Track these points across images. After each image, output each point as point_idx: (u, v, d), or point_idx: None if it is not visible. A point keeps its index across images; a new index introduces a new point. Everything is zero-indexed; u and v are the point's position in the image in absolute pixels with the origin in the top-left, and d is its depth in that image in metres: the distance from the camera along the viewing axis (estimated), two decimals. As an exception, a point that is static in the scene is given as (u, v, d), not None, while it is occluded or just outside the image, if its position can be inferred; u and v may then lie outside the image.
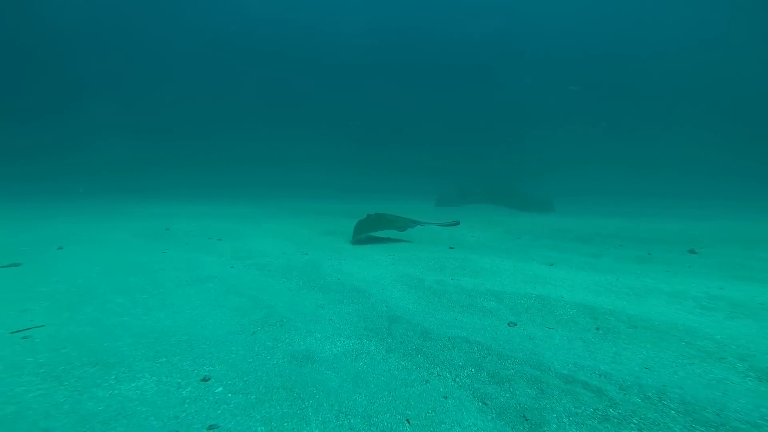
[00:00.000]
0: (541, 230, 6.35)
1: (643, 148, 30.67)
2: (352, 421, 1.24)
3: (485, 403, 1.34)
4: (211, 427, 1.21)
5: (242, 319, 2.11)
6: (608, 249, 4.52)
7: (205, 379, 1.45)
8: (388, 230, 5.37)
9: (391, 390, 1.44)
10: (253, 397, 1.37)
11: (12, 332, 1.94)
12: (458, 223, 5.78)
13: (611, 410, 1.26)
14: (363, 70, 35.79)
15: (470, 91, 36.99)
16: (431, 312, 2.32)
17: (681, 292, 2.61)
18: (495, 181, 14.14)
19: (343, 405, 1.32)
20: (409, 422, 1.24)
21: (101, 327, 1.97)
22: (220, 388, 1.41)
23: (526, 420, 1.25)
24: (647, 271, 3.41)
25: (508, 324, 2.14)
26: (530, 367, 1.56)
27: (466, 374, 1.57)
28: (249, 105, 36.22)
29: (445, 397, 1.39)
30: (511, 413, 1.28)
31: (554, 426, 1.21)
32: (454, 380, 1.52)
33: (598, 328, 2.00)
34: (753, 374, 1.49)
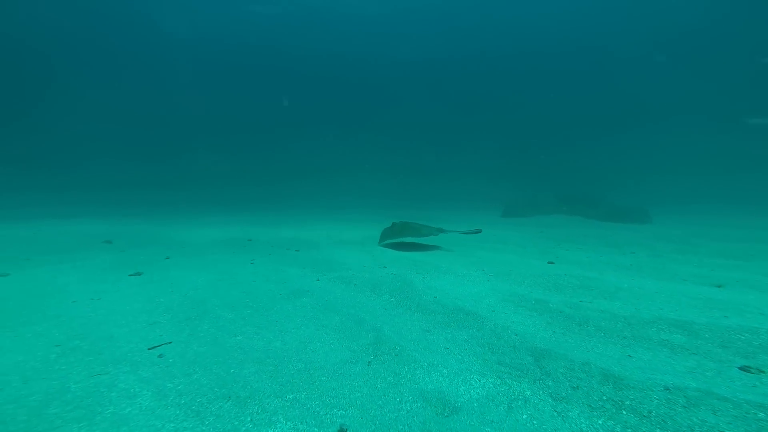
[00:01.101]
0: (655, 243, 5.37)
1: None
2: None
3: None
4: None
5: (351, 343, 1.90)
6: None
7: (343, 430, 1.22)
8: (413, 237, 5.13)
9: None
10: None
11: (149, 348, 2.00)
12: (480, 231, 5.33)
13: None
14: (427, 76, 31.91)
15: (539, 94, 32.13)
16: (585, 345, 1.85)
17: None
18: (570, 189, 12.12)
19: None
20: None
21: (221, 348, 1.87)
22: (367, 449, 1.16)
23: None
24: None
25: (740, 368, 1.54)
26: None
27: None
28: (304, 116, 35.06)
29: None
30: None
31: None
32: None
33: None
34: None
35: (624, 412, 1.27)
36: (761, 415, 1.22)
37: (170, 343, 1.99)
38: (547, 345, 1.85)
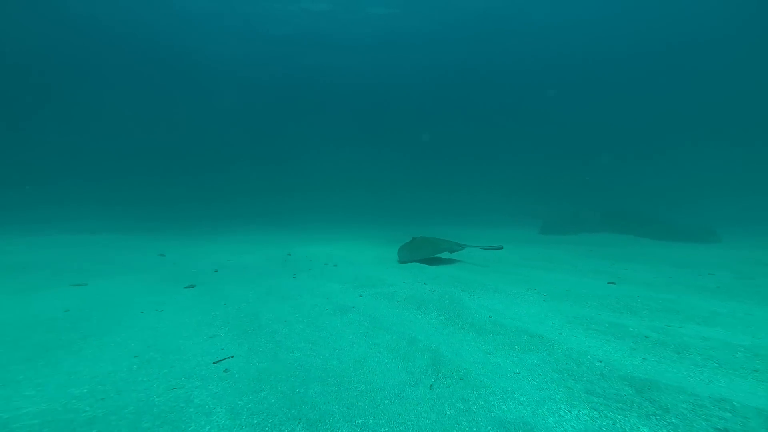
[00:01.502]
0: (739, 264, 4.71)
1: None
2: None
3: None
4: None
5: (407, 364, 1.84)
6: None
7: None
8: (434, 252, 4.95)
9: None
10: None
11: (214, 362, 2.05)
12: (501, 248, 5.07)
13: None
14: (460, 86, 30.50)
15: (582, 107, 30.16)
16: (699, 376, 1.63)
17: None
18: (617, 205, 11.09)
19: None
20: None
21: (281, 365, 1.86)
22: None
23: None
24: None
25: None
26: None
27: None
28: (325, 129, 34.27)
29: None
30: None
31: None
32: None
33: None
34: None
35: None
36: None
37: (232, 357, 2.04)
38: (645, 374, 1.64)
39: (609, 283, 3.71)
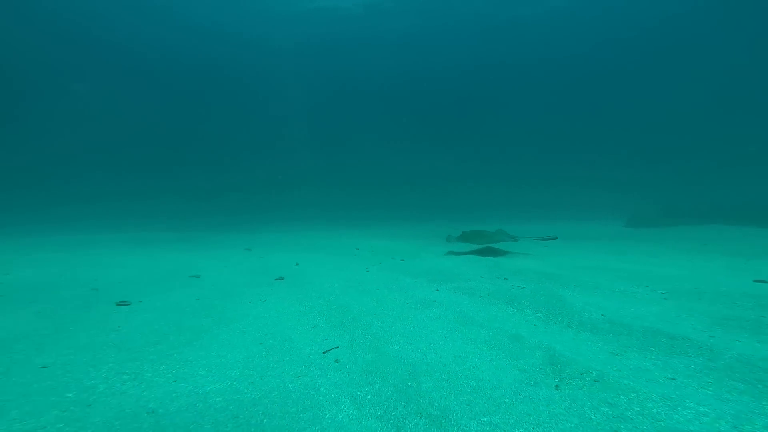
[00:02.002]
0: None
1: None
2: None
3: None
4: None
5: (516, 362, 1.74)
6: None
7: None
8: (486, 244, 4.77)
9: None
10: None
11: (324, 352, 2.16)
12: (556, 238, 4.65)
13: None
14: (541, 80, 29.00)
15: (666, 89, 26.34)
16: None
17: None
18: (725, 196, 9.59)
19: None
20: None
21: (385, 357, 1.88)
22: None
23: None
24: None
25: None
26: None
27: None
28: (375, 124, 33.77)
29: None
30: None
31: None
32: None
33: None
34: None
35: None
36: None
37: (338, 348, 2.17)
38: None
39: (757, 281, 3.14)
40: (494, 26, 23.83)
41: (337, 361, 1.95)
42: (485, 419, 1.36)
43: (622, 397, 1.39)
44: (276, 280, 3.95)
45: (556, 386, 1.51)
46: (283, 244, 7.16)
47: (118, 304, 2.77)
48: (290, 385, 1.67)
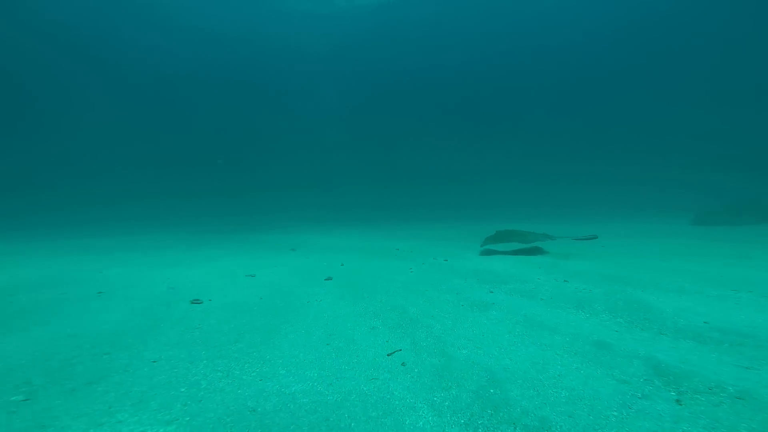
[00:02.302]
0: None
1: None
2: None
3: None
4: None
5: (611, 371, 1.63)
6: None
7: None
8: (520, 243, 4.64)
9: None
10: None
11: (388, 354, 2.24)
12: (596, 237, 4.33)
13: None
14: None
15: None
16: None
17: None
18: None
19: None
20: None
21: (455, 361, 1.86)
22: None
23: None
24: None
25: None
26: None
27: None
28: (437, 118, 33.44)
29: None
30: None
31: None
32: None
33: None
34: None
35: None
36: None
37: (401, 350, 2.20)
38: None
39: None
40: (531, 15, 22.65)
41: (403, 364, 1.97)
42: (591, 435, 1.30)
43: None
44: (325, 280, 4.08)
45: (677, 401, 1.39)
46: (323, 244, 7.38)
47: (192, 302, 3.00)
48: (365, 388, 1.71)
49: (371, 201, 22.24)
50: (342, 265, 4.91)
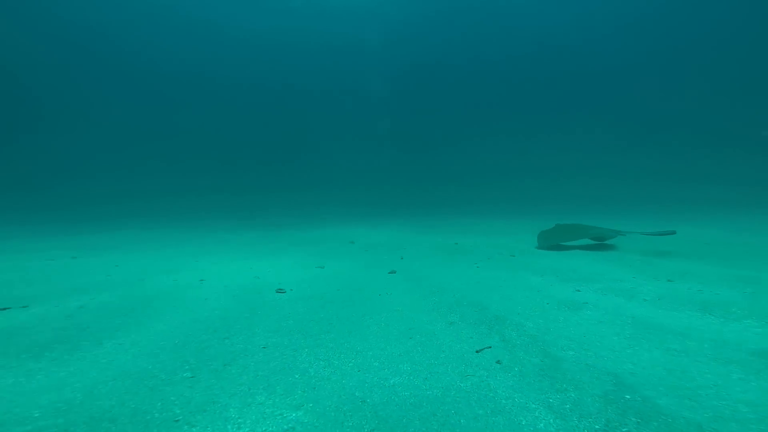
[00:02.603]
0: None
1: None
2: None
3: None
4: None
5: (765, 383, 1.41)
6: None
7: None
8: (582, 239, 4.12)
9: None
10: None
11: (477, 351, 2.02)
12: (674, 233, 3.52)
13: None
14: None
15: None
16: None
17: None
18: None
19: None
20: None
21: (563, 362, 1.72)
22: None
23: None
24: None
25: None
26: None
27: None
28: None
29: None
30: None
31: None
32: None
33: None
34: None
35: None
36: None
37: (490, 348, 2.12)
38: None
39: None
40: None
41: (499, 362, 1.88)
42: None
43: None
44: (389, 273, 4.11)
45: None
46: (377, 238, 7.49)
47: (277, 292, 3.22)
48: (462, 385, 1.66)
49: (410, 198, 22.04)
50: (402, 258, 4.92)
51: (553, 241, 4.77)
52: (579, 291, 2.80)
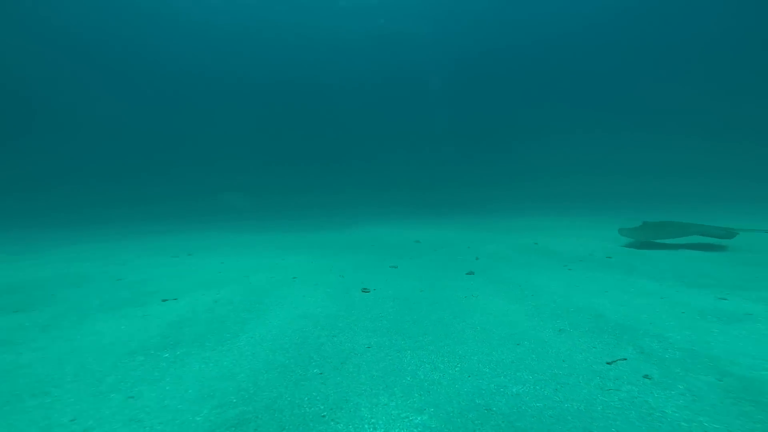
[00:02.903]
0: None
1: None
2: None
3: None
4: None
5: None
6: None
7: None
8: (682, 237, 3.25)
9: None
10: None
11: (608, 362, 1.72)
12: None
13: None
14: None
15: None
16: None
17: None
18: None
19: None
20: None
21: (748, 382, 1.41)
22: None
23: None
24: None
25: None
26: None
27: None
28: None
29: None
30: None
31: None
32: None
33: None
34: None
35: None
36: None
37: (625, 359, 1.80)
38: None
39: None
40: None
41: (647, 377, 1.58)
42: None
43: None
44: (467, 274, 3.90)
45: None
46: (443, 237, 7.26)
47: (363, 291, 3.27)
48: (608, 400, 1.42)
49: (473, 196, 21.09)
50: (477, 259, 4.65)
51: (643, 238, 4.15)
52: (725, 299, 2.25)
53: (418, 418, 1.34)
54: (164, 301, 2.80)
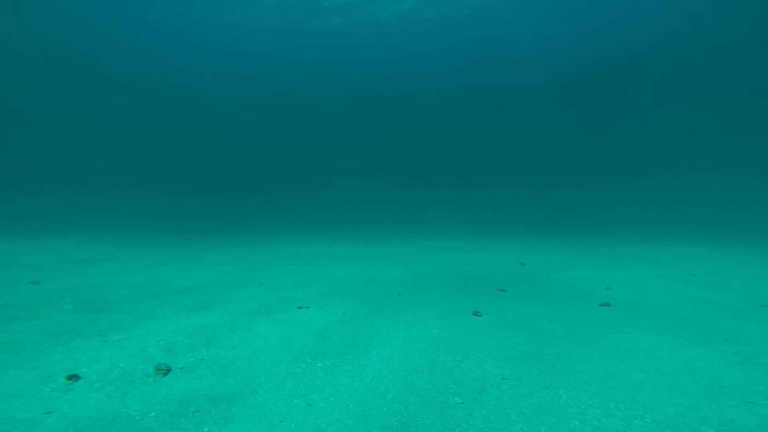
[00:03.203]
0: None
1: None
2: None
3: None
4: None
5: None
6: None
7: None
8: None
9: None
10: None
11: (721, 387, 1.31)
12: None
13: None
14: None
15: None
16: None
17: None
18: None
19: None
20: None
21: None
22: None
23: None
24: None
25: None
26: None
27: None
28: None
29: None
30: None
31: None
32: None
33: None
34: None
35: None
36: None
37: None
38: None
39: None
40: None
41: (749, 402, 1.02)
42: None
43: None
44: (601, 305, 3.28)
45: None
46: (554, 263, 6.37)
47: (474, 314, 3.09)
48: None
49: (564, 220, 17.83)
50: (607, 288, 3.88)
51: None
52: None
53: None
54: (299, 308, 3.18)
